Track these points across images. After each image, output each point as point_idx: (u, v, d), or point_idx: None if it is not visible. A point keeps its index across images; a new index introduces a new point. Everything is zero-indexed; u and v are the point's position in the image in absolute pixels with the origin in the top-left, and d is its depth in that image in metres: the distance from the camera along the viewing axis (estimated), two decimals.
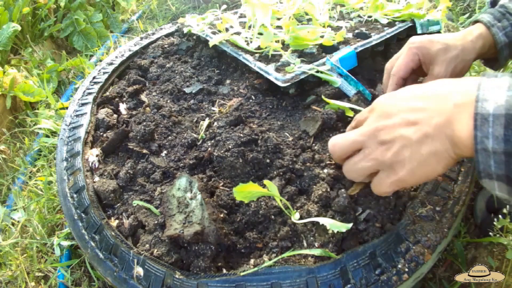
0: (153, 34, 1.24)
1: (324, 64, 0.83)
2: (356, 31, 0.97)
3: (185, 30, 1.13)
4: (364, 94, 0.78)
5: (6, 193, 1.11)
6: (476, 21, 0.75)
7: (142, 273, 0.57)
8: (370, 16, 1.05)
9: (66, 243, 0.84)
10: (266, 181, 0.56)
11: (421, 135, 0.47)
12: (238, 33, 0.98)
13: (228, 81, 0.98)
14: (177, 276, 0.55)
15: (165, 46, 1.16)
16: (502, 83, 0.41)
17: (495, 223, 0.68)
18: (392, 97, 0.53)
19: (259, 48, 0.92)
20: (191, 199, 0.59)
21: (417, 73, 0.73)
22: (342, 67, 0.82)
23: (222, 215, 0.60)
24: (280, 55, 0.88)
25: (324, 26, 0.98)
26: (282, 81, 0.79)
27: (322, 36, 0.91)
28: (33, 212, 0.95)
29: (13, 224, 0.95)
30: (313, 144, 0.73)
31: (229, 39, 0.97)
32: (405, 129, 0.49)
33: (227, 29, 1.01)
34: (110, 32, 1.85)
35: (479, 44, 0.71)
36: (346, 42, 0.93)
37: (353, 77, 0.80)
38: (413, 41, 0.70)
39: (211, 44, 0.97)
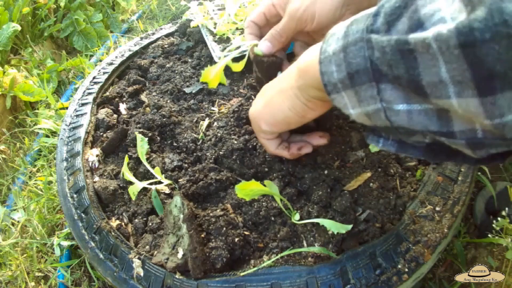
0: (153, 34, 1.24)
1: None
2: None
3: (190, 18, 1.18)
4: None
5: (6, 193, 1.11)
6: None
7: (142, 273, 0.57)
8: None
9: (66, 243, 0.84)
10: (266, 181, 0.56)
11: (275, 91, 0.53)
12: (212, 19, 1.10)
13: (227, 81, 0.98)
14: (177, 276, 0.55)
15: (165, 46, 1.16)
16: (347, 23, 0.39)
17: (494, 225, 0.68)
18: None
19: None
20: (183, 221, 0.58)
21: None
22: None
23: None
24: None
25: None
26: (218, 57, 0.92)
27: None
28: (33, 212, 0.95)
29: (13, 224, 0.95)
30: None
31: (204, 24, 1.09)
32: (262, 95, 0.58)
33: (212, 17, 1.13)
34: (110, 32, 1.85)
35: None
36: None
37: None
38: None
39: (192, 24, 1.10)
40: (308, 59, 0.44)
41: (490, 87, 0.26)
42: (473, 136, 0.31)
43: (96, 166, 0.78)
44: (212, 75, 0.63)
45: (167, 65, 1.05)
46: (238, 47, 0.82)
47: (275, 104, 0.52)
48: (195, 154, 0.76)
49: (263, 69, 0.68)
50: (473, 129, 0.31)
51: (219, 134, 0.77)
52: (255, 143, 0.71)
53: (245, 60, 0.70)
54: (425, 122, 0.33)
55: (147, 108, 0.90)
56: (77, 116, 0.90)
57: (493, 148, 0.32)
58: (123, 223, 0.67)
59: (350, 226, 0.54)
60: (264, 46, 0.65)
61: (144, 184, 0.68)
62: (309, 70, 0.43)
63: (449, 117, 0.32)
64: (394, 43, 0.30)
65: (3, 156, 1.21)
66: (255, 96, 0.89)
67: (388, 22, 0.32)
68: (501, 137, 0.29)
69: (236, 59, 0.66)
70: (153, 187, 0.69)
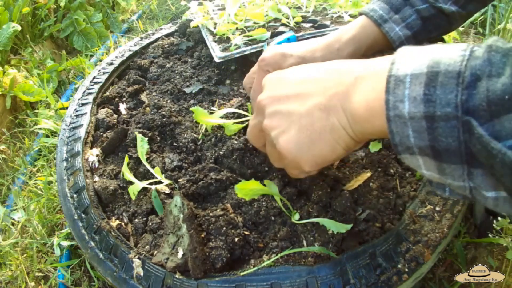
0: (153, 34, 1.24)
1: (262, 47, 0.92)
2: (309, 19, 1.01)
3: (190, 17, 1.18)
4: None
5: (6, 193, 1.11)
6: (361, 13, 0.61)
7: (142, 273, 0.57)
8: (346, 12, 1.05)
9: (66, 243, 0.84)
10: (266, 181, 0.56)
11: (312, 107, 0.40)
12: (212, 19, 1.10)
13: (228, 81, 0.98)
14: (177, 276, 0.55)
15: (165, 46, 1.16)
16: (422, 50, 0.34)
17: (494, 225, 0.68)
18: (283, 72, 0.47)
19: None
20: (183, 221, 0.58)
21: None
22: None
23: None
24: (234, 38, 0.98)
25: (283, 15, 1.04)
26: (219, 57, 0.90)
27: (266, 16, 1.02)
28: (33, 212, 0.95)
29: (13, 224, 0.95)
30: None
31: (204, 24, 1.08)
32: (292, 102, 0.42)
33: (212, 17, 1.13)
34: (110, 32, 1.85)
35: (349, 52, 0.59)
36: (303, 29, 0.97)
37: None
38: (263, 57, 0.59)
39: (192, 24, 1.09)
40: (363, 103, 0.36)
41: None
42: None
43: (96, 166, 0.78)
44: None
45: (167, 65, 1.05)
46: (238, 47, 0.82)
47: (326, 145, 0.41)
48: (195, 154, 0.76)
49: None
50: None
51: (219, 134, 0.77)
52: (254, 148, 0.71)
53: (240, 126, 0.72)
54: (509, 210, 0.31)
55: (147, 108, 0.90)
56: (77, 116, 0.90)
57: None
58: (123, 223, 0.67)
59: (350, 226, 0.54)
60: None
61: (144, 184, 0.68)
62: (369, 119, 0.36)
63: None
64: (506, 158, 0.26)
65: (3, 156, 1.21)
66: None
67: (492, 112, 0.27)
68: None
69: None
70: (153, 187, 0.69)
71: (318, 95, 0.40)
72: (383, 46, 0.61)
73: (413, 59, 0.32)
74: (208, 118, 0.69)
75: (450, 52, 0.31)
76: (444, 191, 0.36)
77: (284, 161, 0.47)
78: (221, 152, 0.72)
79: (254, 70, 0.64)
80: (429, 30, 0.61)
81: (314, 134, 0.40)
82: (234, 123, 0.72)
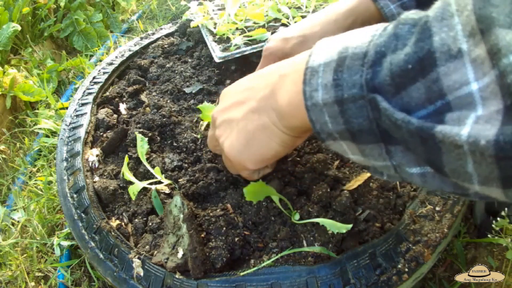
0: (153, 34, 1.24)
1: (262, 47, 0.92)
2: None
3: (190, 17, 1.18)
4: None
5: (6, 193, 1.11)
6: None
7: (142, 273, 0.57)
8: None
9: (66, 243, 0.84)
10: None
11: (246, 112, 0.44)
12: (212, 19, 1.10)
13: (228, 81, 0.98)
14: (177, 276, 0.55)
15: (165, 46, 1.16)
16: (339, 37, 0.34)
17: (494, 225, 0.68)
18: (232, 85, 0.51)
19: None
20: (183, 221, 0.58)
21: None
22: None
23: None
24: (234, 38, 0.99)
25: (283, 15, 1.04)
26: (219, 57, 0.90)
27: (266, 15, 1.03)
28: (33, 212, 0.95)
29: (13, 224, 0.95)
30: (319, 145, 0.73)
31: (204, 24, 1.08)
32: (234, 110, 0.46)
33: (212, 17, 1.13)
34: (110, 32, 1.85)
35: (347, 23, 0.59)
36: None
37: None
38: (267, 47, 0.62)
39: (192, 24, 1.09)
40: (286, 98, 0.39)
41: None
42: (488, 198, 0.29)
43: (96, 166, 0.78)
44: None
45: (167, 65, 1.05)
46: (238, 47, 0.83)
47: (261, 143, 0.44)
48: (195, 154, 0.76)
49: None
50: (489, 196, 0.28)
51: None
52: None
53: None
54: (440, 185, 0.30)
55: (147, 108, 0.90)
56: (77, 116, 0.90)
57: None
58: (123, 223, 0.67)
59: (350, 226, 0.54)
60: None
61: (144, 184, 0.68)
62: (293, 113, 0.38)
63: (467, 188, 0.29)
64: (414, 129, 0.26)
65: (3, 156, 1.21)
66: None
67: (397, 85, 0.27)
68: None
69: None
70: (153, 187, 0.69)
71: (251, 99, 0.44)
72: (380, 22, 0.62)
73: (328, 48, 0.33)
74: None
75: (363, 35, 0.31)
76: (382, 175, 0.36)
77: (232, 164, 0.51)
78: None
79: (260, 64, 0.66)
80: None
81: (249, 135, 0.44)
82: None
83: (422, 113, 0.27)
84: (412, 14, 0.29)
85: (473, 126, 0.24)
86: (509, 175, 0.24)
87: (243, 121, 0.45)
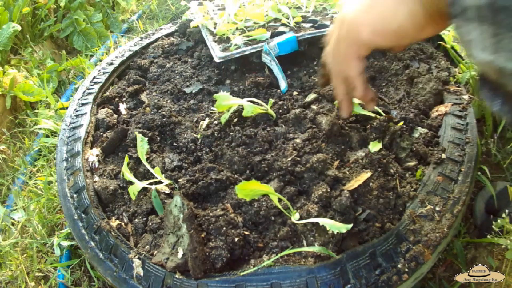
0: (153, 34, 1.24)
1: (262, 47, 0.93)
2: (309, 19, 1.01)
3: (190, 17, 1.18)
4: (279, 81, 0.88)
5: (6, 193, 1.11)
6: None
7: (142, 273, 0.57)
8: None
9: (66, 243, 0.84)
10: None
11: None
12: (212, 19, 1.10)
13: (228, 81, 0.98)
14: (177, 276, 0.55)
15: (165, 46, 1.16)
16: None
17: (493, 225, 0.68)
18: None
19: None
20: (183, 221, 0.58)
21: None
22: (279, 50, 0.91)
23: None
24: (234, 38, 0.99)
25: (283, 15, 1.05)
26: (219, 57, 0.91)
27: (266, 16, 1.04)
28: (33, 212, 0.94)
29: (13, 224, 0.95)
30: (323, 144, 0.73)
31: (204, 24, 1.08)
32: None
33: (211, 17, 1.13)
34: (110, 32, 1.85)
35: None
36: (303, 29, 0.97)
37: (278, 63, 0.89)
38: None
39: (192, 24, 1.10)
40: None
41: None
42: None
43: (96, 166, 0.78)
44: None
45: (167, 65, 1.05)
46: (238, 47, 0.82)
47: (387, 7, 0.38)
48: (195, 154, 0.76)
49: None
50: None
51: (218, 134, 0.77)
52: (253, 144, 0.71)
53: (259, 110, 0.76)
54: None
55: (147, 108, 0.90)
56: (77, 116, 0.90)
57: None
58: (123, 223, 0.67)
59: (350, 226, 0.54)
60: (343, 113, 0.63)
61: (144, 184, 0.68)
62: None
63: None
64: None
65: (3, 156, 1.21)
66: (255, 96, 0.90)
67: None
68: None
69: None
70: (153, 187, 0.69)
71: None
72: None
73: None
74: (232, 100, 0.74)
75: None
76: (493, 102, 0.30)
77: (341, 33, 0.44)
78: (220, 152, 0.72)
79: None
80: None
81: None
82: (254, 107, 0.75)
83: None
84: None
85: None
86: None
87: None
